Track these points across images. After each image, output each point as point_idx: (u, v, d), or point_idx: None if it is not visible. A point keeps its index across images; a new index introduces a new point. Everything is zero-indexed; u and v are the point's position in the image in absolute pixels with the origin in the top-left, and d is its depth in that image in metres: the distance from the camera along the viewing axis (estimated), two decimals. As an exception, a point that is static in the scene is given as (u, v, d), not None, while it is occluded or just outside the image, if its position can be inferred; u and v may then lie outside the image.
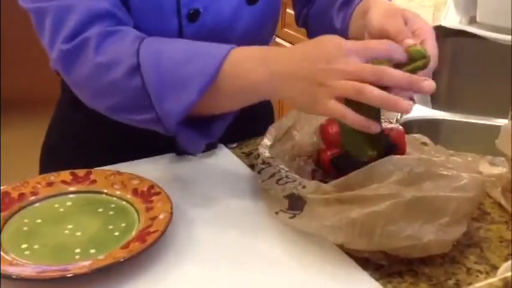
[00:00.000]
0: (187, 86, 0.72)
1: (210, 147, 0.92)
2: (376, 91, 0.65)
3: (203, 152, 0.89)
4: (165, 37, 0.83)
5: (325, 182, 0.73)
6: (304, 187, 0.72)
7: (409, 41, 0.72)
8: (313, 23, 1.00)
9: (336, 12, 0.92)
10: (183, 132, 0.75)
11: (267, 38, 0.99)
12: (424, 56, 0.71)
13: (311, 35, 1.02)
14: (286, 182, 0.74)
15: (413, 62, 0.71)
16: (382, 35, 0.75)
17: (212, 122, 0.78)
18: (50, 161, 1.02)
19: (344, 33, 0.89)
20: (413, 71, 0.70)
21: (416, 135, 0.86)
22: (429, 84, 0.68)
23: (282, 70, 0.70)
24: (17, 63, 2.86)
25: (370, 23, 0.78)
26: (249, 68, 0.72)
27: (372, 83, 0.66)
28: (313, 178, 0.81)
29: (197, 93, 0.72)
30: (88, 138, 0.96)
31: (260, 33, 0.95)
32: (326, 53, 0.68)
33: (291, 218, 0.71)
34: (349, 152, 0.76)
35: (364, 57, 0.68)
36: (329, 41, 0.70)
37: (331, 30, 0.92)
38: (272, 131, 0.86)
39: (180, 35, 0.86)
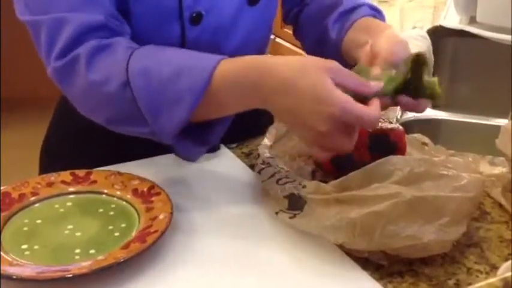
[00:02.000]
0: (178, 103, 0.72)
1: (212, 150, 0.91)
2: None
3: (208, 152, 0.90)
4: (168, 43, 0.83)
5: (325, 182, 0.73)
6: (304, 187, 0.72)
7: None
8: (306, 25, 1.00)
9: (332, 23, 0.93)
10: (180, 142, 0.76)
11: (266, 37, 0.99)
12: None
13: (301, 35, 1.02)
14: (286, 182, 0.74)
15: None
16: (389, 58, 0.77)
17: (209, 129, 0.78)
18: (50, 162, 1.01)
19: (338, 44, 0.91)
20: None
21: (417, 135, 0.86)
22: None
23: (274, 87, 0.70)
24: (17, 63, 2.86)
25: (384, 47, 0.79)
26: (237, 80, 0.72)
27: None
28: (313, 178, 0.81)
29: (189, 109, 0.72)
30: (88, 138, 0.96)
31: (260, 33, 0.95)
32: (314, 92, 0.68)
33: (291, 218, 0.71)
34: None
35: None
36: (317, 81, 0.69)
37: (325, 39, 0.93)
38: (272, 131, 0.86)
39: (183, 38, 0.86)
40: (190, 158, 0.79)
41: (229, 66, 0.73)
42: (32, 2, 0.80)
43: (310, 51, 1.01)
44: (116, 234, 0.73)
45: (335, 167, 0.79)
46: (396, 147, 0.78)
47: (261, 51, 1.00)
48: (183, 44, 0.86)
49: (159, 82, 0.73)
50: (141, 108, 0.74)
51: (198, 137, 0.77)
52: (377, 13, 0.91)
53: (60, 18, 0.77)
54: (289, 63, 0.70)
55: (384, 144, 0.77)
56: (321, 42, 0.95)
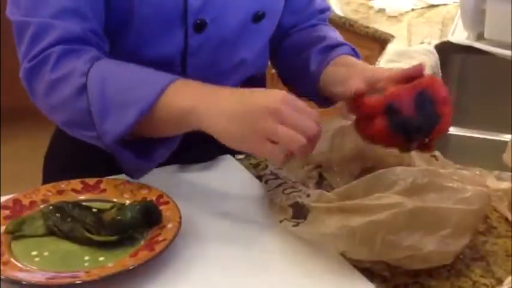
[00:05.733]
0: (126, 110, 0.76)
1: (209, 158, 0.92)
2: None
3: (201, 162, 0.90)
4: (170, 49, 0.86)
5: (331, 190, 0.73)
6: (308, 196, 0.73)
7: None
8: (286, 55, 1.02)
9: (313, 55, 0.95)
10: (120, 152, 0.79)
11: (266, 54, 1.01)
12: None
13: (280, 63, 1.04)
14: (292, 192, 0.75)
15: None
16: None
17: (154, 148, 0.81)
18: (54, 170, 1.02)
19: (316, 76, 0.93)
20: None
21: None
22: None
23: (214, 106, 0.74)
24: (18, 73, 2.85)
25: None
26: (183, 99, 0.75)
27: None
28: (319, 186, 0.81)
29: (134, 118, 0.76)
30: (92, 148, 0.96)
31: (260, 49, 0.97)
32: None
33: (294, 226, 0.72)
34: None
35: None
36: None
37: (303, 70, 0.95)
38: None
39: (185, 45, 0.87)
40: (133, 171, 0.81)
41: (180, 85, 0.77)
42: (23, 3, 0.83)
43: (287, 80, 1.03)
44: (125, 242, 0.74)
45: (392, 128, 0.77)
46: (437, 103, 0.77)
47: (261, 69, 1.01)
48: (185, 50, 0.88)
49: (114, 89, 0.78)
50: (92, 110, 0.77)
51: (141, 152, 0.80)
52: (356, 55, 0.95)
53: (46, 23, 0.81)
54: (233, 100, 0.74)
55: (425, 99, 0.77)
56: (298, 72, 0.97)
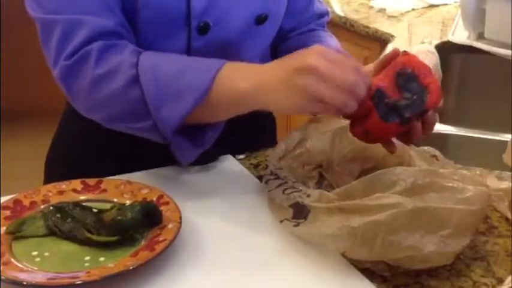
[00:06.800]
0: (183, 97, 0.77)
1: (210, 160, 0.92)
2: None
3: (203, 164, 0.90)
4: (173, 50, 0.86)
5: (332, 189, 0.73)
6: (308, 196, 0.73)
7: None
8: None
9: None
10: (177, 140, 0.79)
11: (267, 56, 1.01)
12: None
13: None
14: (292, 192, 0.75)
15: None
16: None
17: (204, 132, 0.81)
18: (55, 171, 1.02)
19: None
20: None
21: (427, 148, 0.86)
22: None
23: (265, 84, 0.75)
24: (19, 74, 2.85)
25: None
26: (239, 81, 0.76)
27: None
28: (319, 186, 0.81)
29: (192, 104, 0.76)
30: (94, 148, 0.97)
31: (263, 51, 0.97)
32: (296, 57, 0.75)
33: (294, 226, 0.72)
34: None
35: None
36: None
37: None
38: (282, 143, 0.87)
39: (188, 48, 0.87)
40: (185, 157, 0.82)
41: (232, 67, 0.77)
42: (47, 1, 0.82)
43: None
44: (126, 242, 0.74)
45: (384, 116, 0.77)
46: (418, 76, 0.77)
47: None
48: (188, 52, 0.88)
49: (167, 77, 0.77)
50: (147, 100, 0.77)
51: (194, 137, 0.81)
52: None
53: (76, 20, 0.80)
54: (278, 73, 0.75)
55: (406, 76, 0.77)
56: None
